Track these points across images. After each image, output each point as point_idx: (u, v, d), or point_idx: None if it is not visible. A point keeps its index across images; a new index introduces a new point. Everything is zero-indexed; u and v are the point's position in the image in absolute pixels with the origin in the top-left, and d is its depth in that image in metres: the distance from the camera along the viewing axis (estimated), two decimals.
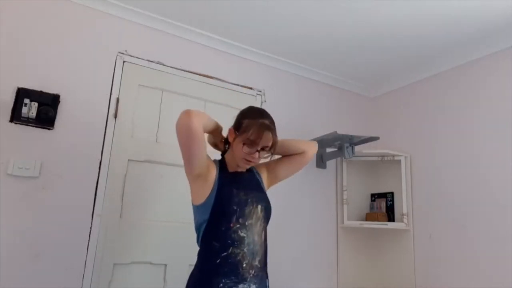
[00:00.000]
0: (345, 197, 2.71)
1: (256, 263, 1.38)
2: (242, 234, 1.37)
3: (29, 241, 1.75)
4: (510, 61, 2.20)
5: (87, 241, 1.88)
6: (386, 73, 2.81)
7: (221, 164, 1.51)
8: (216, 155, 1.60)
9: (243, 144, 1.41)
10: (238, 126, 1.47)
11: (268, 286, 1.49)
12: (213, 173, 1.44)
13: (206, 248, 1.41)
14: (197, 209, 1.45)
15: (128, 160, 2.06)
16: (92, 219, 1.90)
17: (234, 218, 1.37)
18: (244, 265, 1.34)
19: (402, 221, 2.58)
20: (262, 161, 1.52)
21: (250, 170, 1.57)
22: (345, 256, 2.68)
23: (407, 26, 2.19)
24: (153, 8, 2.16)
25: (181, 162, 2.18)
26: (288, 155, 1.64)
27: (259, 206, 1.44)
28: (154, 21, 2.23)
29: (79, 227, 1.87)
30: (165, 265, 2.05)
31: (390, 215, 2.70)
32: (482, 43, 2.30)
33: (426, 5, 1.99)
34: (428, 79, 2.67)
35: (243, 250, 1.35)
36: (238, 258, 1.34)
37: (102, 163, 1.97)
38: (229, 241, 1.35)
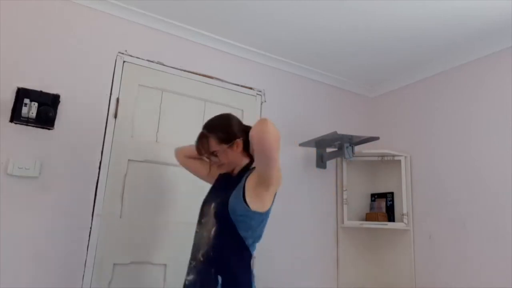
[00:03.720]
0: (345, 197, 2.71)
1: (199, 256, 1.48)
2: (196, 229, 1.56)
3: (29, 241, 1.75)
4: (510, 61, 2.20)
5: (87, 241, 1.88)
6: (386, 73, 2.81)
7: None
8: None
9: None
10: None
11: (222, 283, 1.40)
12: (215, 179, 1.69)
13: None
14: None
15: (128, 160, 2.05)
16: (92, 219, 1.90)
17: (198, 216, 1.58)
18: (190, 256, 1.53)
19: (402, 221, 2.58)
20: (220, 162, 1.58)
21: (240, 172, 1.56)
22: (345, 256, 2.68)
23: (407, 26, 2.19)
24: (153, 8, 2.16)
25: None
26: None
27: (212, 205, 1.53)
28: (154, 21, 2.23)
29: (79, 227, 1.87)
30: (165, 265, 2.05)
31: (390, 215, 2.70)
32: (482, 43, 2.30)
33: (426, 5, 1.99)
34: (428, 79, 2.67)
35: (194, 243, 1.54)
36: (191, 250, 1.54)
37: (102, 163, 1.97)
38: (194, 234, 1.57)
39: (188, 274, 1.49)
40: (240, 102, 2.48)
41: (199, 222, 1.56)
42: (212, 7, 2.11)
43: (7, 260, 1.69)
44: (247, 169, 1.56)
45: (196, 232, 1.55)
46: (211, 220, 1.49)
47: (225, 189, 1.53)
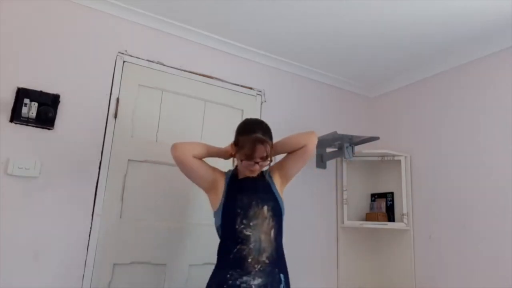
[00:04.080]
0: (345, 197, 2.71)
1: (263, 258, 1.53)
2: (247, 233, 1.54)
3: (29, 241, 1.75)
4: (510, 61, 2.20)
5: (87, 241, 1.88)
6: (386, 73, 2.81)
7: (233, 172, 1.72)
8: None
9: (241, 160, 1.60)
10: (236, 142, 1.65)
11: (284, 280, 1.60)
12: (221, 184, 1.67)
13: (220, 246, 1.63)
14: (214, 215, 1.68)
15: (128, 160, 2.05)
16: (92, 219, 1.90)
17: (238, 220, 1.56)
18: (250, 260, 1.51)
19: (402, 221, 2.58)
20: (265, 168, 1.69)
21: (262, 175, 1.71)
22: (345, 256, 2.68)
23: (407, 26, 2.19)
24: (153, 8, 2.16)
25: None
26: (292, 151, 1.72)
27: (265, 207, 1.59)
28: (154, 21, 2.23)
29: (79, 227, 1.87)
30: (165, 265, 2.05)
31: (390, 215, 2.70)
32: (482, 43, 2.30)
33: (426, 5, 1.99)
34: (428, 79, 2.67)
35: (249, 247, 1.52)
36: (244, 253, 1.52)
37: (102, 163, 1.97)
38: (237, 240, 1.54)
39: (253, 278, 1.49)
40: (240, 102, 2.48)
41: (247, 225, 1.55)
42: (212, 7, 2.11)
43: (7, 260, 1.69)
44: (262, 172, 1.72)
45: (248, 235, 1.54)
46: (266, 222, 1.58)
47: (264, 191, 1.66)
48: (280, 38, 2.40)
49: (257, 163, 1.58)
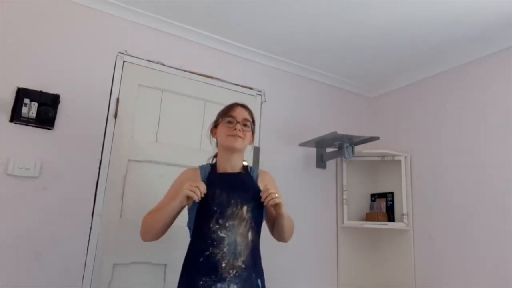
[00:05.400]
0: (345, 197, 2.71)
1: (239, 263, 1.39)
2: (221, 235, 1.40)
3: (29, 241, 1.75)
4: (510, 61, 2.20)
5: (87, 241, 1.88)
6: (386, 73, 2.81)
7: (212, 167, 1.59)
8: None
9: (223, 129, 1.56)
10: (215, 122, 1.65)
11: (261, 286, 1.46)
12: (196, 180, 1.47)
13: (191, 248, 1.48)
14: (188, 211, 1.53)
15: (128, 160, 2.05)
16: (92, 219, 1.90)
17: (213, 219, 1.42)
18: (224, 265, 1.37)
19: (402, 221, 2.58)
20: (246, 139, 1.58)
21: (247, 172, 1.61)
22: (345, 256, 2.68)
23: (407, 26, 2.19)
24: (153, 8, 2.16)
25: (181, 161, 2.20)
26: (274, 218, 1.58)
27: (245, 207, 1.45)
28: (154, 21, 2.23)
29: (79, 227, 1.87)
30: (165, 265, 2.05)
31: (390, 215, 2.70)
32: (482, 43, 2.30)
33: (426, 5, 1.99)
34: (428, 79, 2.67)
35: (222, 250, 1.39)
36: (218, 258, 1.38)
37: (102, 163, 1.97)
38: (209, 241, 1.40)
39: (228, 285, 1.35)
40: (240, 102, 2.48)
41: (223, 226, 1.41)
42: (212, 7, 2.11)
43: (7, 260, 1.69)
44: (247, 169, 1.62)
45: (223, 237, 1.40)
46: (243, 223, 1.44)
47: (245, 188, 1.50)
48: (280, 38, 2.40)
49: (239, 126, 1.53)
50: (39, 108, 1.82)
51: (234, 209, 1.44)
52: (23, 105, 1.78)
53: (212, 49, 2.44)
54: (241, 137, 1.55)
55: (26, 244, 1.75)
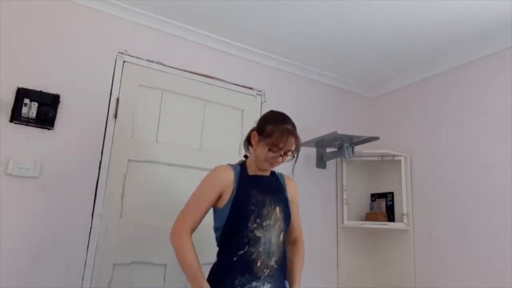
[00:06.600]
0: (345, 197, 2.71)
1: (272, 263, 1.43)
2: (258, 234, 1.43)
3: (29, 241, 1.75)
4: (510, 61, 2.20)
5: (87, 241, 1.88)
6: (386, 73, 2.81)
7: (241, 168, 1.57)
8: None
9: (268, 149, 1.49)
10: (261, 130, 1.54)
11: (285, 286, 1.51)
12: (231, 179, 1.50)
13: (225, 246, 1.48)
14: (219, 211, 1.51)
15: (128, 160, 2.05)
16: (92, 219, 1.90)
17: (252, 218, 1.44)
18: (259, 264, 1.40)
19: (402, 221, 2.58)
20: (279, 166, 1.59)
21: (275, 176, 1.65)
22: (345, 256, 2.68)
23: (407, 26, 2.19)
24: (153, 8, 2.16)
25: (181, 162, 2.20)
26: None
27: (278, 208, 1.50)
28: (154, 21, 2.23)
29: (79, 227, 1.87)
30: (165, 265, 2.05)
31: (390, 215, 2.70)
32: (482, 43, 2.30)
33: (426, 5, 1.99)
34: (428, 79, 2.67)
35: (258, 249, 1.42)
36: (253, 257, 1.41)
37: (102, 163, 1.97)
38: (245, 240, 1.42)
39: (263, 284, 1.39)
40: (240, 102, 2.48)
41: (260, 225, 1.44)
42: (212, 7, 2.11)
43: (7, 260, 1.69)
44: (274, 173, 1.66)
45: (259, 236, 1.43)
46: (277, 224, 1.48)
47: (276, 191, 1.57)
48: (280, 38, 2.40)
49: (282, 156, 1.49)
50: (39, 108, 1.82)
51: (270, 209, 1.48)
52: (23, 105, 1.78)
53: (212, 49, 2.44)
54: (278, 165, 1.55)
55: (26, 244, 1.75)
